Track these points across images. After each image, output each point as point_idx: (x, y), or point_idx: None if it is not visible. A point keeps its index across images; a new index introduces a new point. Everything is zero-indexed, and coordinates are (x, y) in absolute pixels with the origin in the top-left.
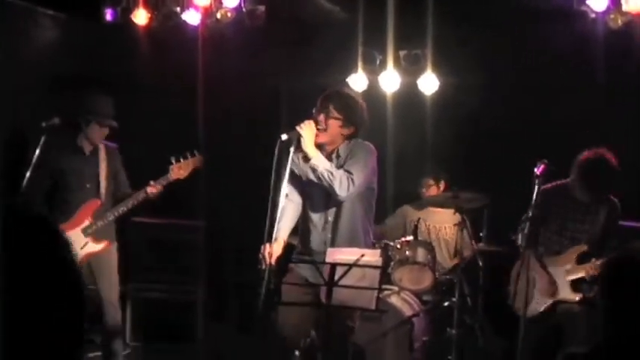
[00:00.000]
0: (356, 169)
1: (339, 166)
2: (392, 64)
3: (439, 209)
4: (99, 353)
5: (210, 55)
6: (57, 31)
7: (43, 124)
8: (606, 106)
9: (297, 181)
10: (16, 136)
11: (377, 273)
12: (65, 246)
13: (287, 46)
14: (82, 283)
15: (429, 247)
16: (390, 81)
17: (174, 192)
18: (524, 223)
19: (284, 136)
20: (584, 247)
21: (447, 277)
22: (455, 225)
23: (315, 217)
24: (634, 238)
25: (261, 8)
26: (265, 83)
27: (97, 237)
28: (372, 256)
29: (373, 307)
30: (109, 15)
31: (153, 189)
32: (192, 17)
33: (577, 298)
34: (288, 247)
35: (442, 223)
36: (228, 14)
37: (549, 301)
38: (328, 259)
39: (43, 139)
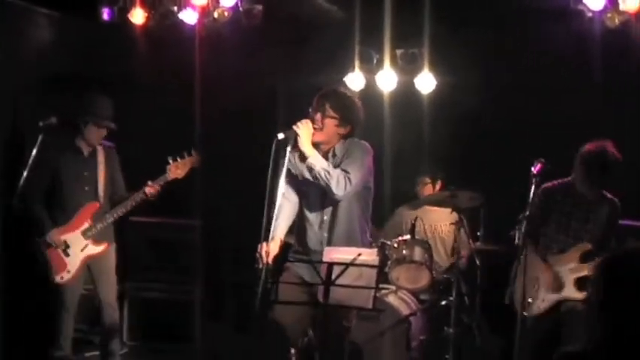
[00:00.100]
0: (353, 168)
1: (336, 165)
2: (389, 63)
3: (436, 208)
4: (97, 353)
5: (207, 54)
6: (54, 31)
7: (41, 124)
8: (604, 105)
9: (293, 180)
10: (13, 135)
11: (374, 272)
12: None
13: (284, 45)
14: None
15: (426, 246)
16: (387, 80)
17: (172, 191)
18: (522, 222)
19: (281, 135)
20: (588, 246)
21: (445, 276)
22: (452, 224)
23: (312, 216)
24: (633, 237)
25: (258, 7)
26: (262, 82)
27: (96, 239)
28: (369, 255)
29: (370, 306)
30: (105, 14)
31: (151, 189)
32: (189, 16)
33: (581, 297)
34: (285, 246)
35: (439, 221)
36: (225, 13)
37: (555, 297)
38: (325, 258)
39: (40, 138)
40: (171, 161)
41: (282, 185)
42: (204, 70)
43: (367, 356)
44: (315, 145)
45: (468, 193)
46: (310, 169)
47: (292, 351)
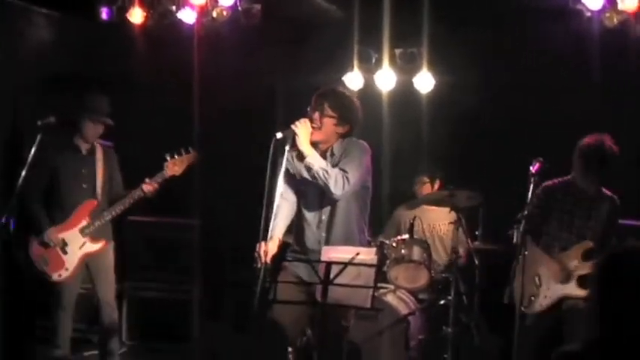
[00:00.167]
0: (351, 168)
1: (334, 165)
2: (387, 63)
3: (434, 207)
4: (95, 352)
5: (205, 53)
6: (52, 30)
7: (39, 123)
8: (602, 104)
9: (292, 179)
10: (13, 135)
11: (372, 271)
12: None
13: (283, 44)
14: None
15: (425, 246)
16: (386, 79)
17: (170, 190)
18: (521, 221)
19: (279, 135)
20: (590, 244)
21: (443, 275)
22: (450, 223)
23: (310, 216)
24: (633, 236)
25: (257, 7)
26: (261, 82)
27: (94, 237)
28: (367, 254)
29: (369, 305)
30: (104, 14)
31: (149, 186)
32: (187, 16)
33: (583, 294)
34: (283, 246)
35: (437, 221)
36: (224, 13)
37: (559, 292)
38: (323, 258)
39: (38, 137)
40: (168, 158)
41: (281, 185)
42: (203, 69)
43: (366, 355)
44: (314, 145)
45: (466, 193)
46: (308, 169)
47: (290, 350)
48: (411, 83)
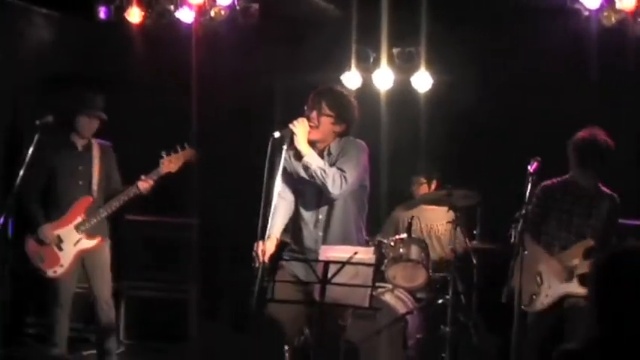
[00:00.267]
0: (348, 167)
1: (331, 164)
2: (386, 62)
3: (432, 207)
4: (93, 351)
5: (204, 53)
6: (50, 30)
7: (37, 122)
8: (600, 103)
9: (289, 178)
10: (13, 135)
11: (370, 270)
12: None
13: (281, 44)
14: None
15: (423, 245)
16: (384, 79)
17: (169, 190)
18: (519, 220)
19: (277, 134)
20: (590, 242)
21: (441, 274)
22: (448, 222)
23: (307, 215)
24: (632, 236)
25: (255, 6)
26: (259, 81)
27: (90, 233)
28: (365, 253)
29: (367, 304)
30: (102, 13)
31: (144, 184)
32: (185, 15)
33: (584, 293)
34: (281, 245)
35: (435, 220)
36: (222, 12)
37: (560, 290)
38: (321, 257)
39: (36, 137)
40: (164, 155)
41: (279, 184)
42: (201, 68)
43: (364, 355)
44: (311, 144)
45: (463, 192)
46: (306, 168)
47: (286, 348)
48: (409, 82)
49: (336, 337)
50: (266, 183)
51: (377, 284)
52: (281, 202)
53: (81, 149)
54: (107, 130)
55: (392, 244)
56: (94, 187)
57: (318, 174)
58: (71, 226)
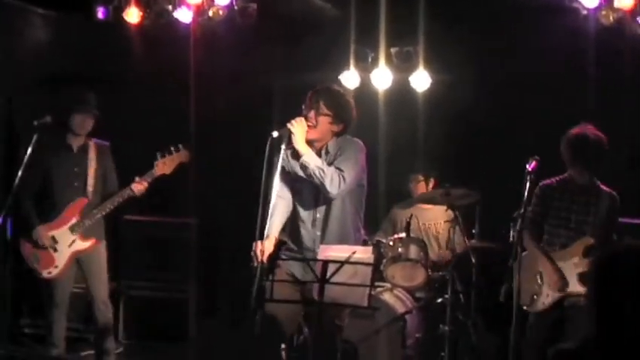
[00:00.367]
0: (346, 166)
1: (329, 163)
2: (384, 62)
3: (430, 206)
4: (92, 351)
5: (202, 53)
6: (48, 30)
7: (35, 123)
8: (599, 102)
9: (287, 177)
10: (10, 135)
11: (369, 270)
12: None
13: (279, 43)
14: None
15: (422, 244)
16: (382, 78)
17: (167, 190)
18: (517, 219)
19: (275, 133)
20: (590, 240)
21: (440, 273)
22: (446, 222)
23: (305, 214)
24: (631, 234)
25: (253, 6)
26: (257, 81)
27: (84, 235)
28: (364, 253)
29: (365, 304)
30: (100, 13)
31: (139, 185)
32: (184, 15)
33: (584, 291)
34: (280, 244)
35: (433, 219)
36: (220, 12)
37: (558, 295)
38: (320, 257)
39: (34, 137)
40: (159, 157)
41: (277, 183)
42: (200, 68)
43: (362, 354)
44: (309, 143)
45: (462, 191)
46: (304, 168)
47: (283, 347)
48: (408, 82)
49: (333, 336)
50: (264, 182)
51: (376, 283)
52: (279, 202)
53: (77, 150)
54: (105, 130)
55: (391, 243)
56: (89, 188)
57: (317, 173)
58: (66, 228)
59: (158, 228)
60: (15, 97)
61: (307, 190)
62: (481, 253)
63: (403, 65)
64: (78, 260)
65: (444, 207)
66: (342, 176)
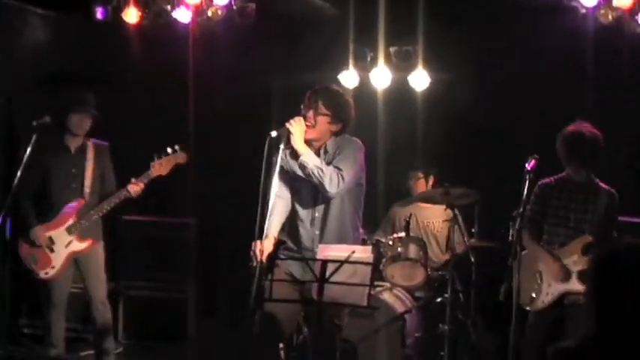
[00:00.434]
0: (345, 165)
1: (328, 162)
2: (383, 61)
3: (429, 205)
4: (91, 352)
5: (201, 53)
6: (47, 30)
7: (34, 123)
8: (597, 101)
9: (286, 177)
10: (10, 135)
11: (368, 269)
12: None
13: (278, 43)
14: None
15: (421, 244)
16: (381, 77)
17: (166, 190)
18: (516, 218)
19: (273, 133)
20: (589, 239)
21: (439, 273)
22: (444, 220)
23: (303, 214)
24: (630, 233)
25: (252, 6)
26: (256, 81)
27: (81, 236)
28: (363, 252)
29: (365, 303)
30: (99, 13)
31: (135, 186)
32: (182, 15)
33: (583, 289)
34: (278, 244)
35: (431, 218)
36: (219, 12)
37: (560, 289)
38: (319, 256)
39: (34, 138)
40: (155, 158)
41: (276, 183)
42: (198, 68)
43: (362, 354)
44: (307, 142)
45: (461, 190)
46: (303, 167)
47: (281, 346)
48: (407, 81)
49: (333, 336)
50: (263, 182)
51: (375, 283)
52: (278, 201)
53: (75, 151)
54: (104, 129)
55: (390, 242)
56: (86, 189)
57: (315, 173)
58: (62, 228)
59: (157, 228)
60: (15, 97)
61: (306, 190)
62: (480, 253)
63: (402, 65)
64: (76, 260)
65: (443, 206)
66: (341, 175)
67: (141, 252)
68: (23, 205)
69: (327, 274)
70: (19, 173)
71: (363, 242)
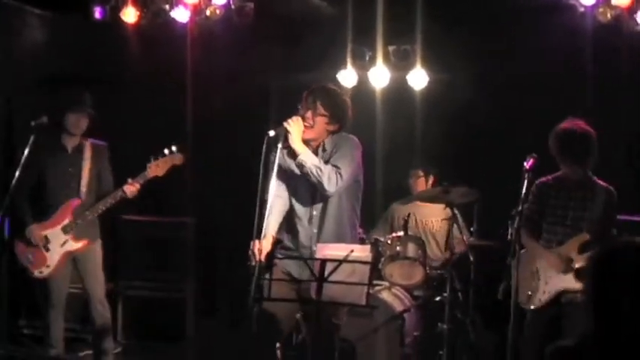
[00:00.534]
0: (343, 164)
1: (325, 160)
2: (381, 60)
3: (427, 204)
4: (90, 352)
5: (199, 52)
6: (45, 30)
7: (32, 123)
8: (596, 99)
9: (284, 175)
10: (9, 135)
11: (367, 268)
12: None
13: (276, 42)
14: None
15: (420, 242)
16: (380, 77)
17: (164, 189)
18: (515, 217)
19: (271, 132)
20: (586, 236)
21: (438, 272)
22: (443, 219)
23: (301, 212)
24: (628, 231)
25: (250, 5)
26: (254, 80)
27: (77, 235)
28: (362, 251)
29: (364, 302)
30: (97, 13)
31: (131, 187)
32: (181, 14)
33: (581, 287)
34: (277, 243)
35: (430, 217)
36: (217, 11)
37: (559, 286)
38: (318, 255)
39: (32, 138)
40: (152, 159)
41: (274, 182)
42: (197, 68)
43: (360, 353)
44: (305, 142)
45: (460, 189)
46: (301, 166)
47: (278, 345)
48: (405, 80)
49: (331, 335)
50: (261, 181)
51: (374, 282)
52: (277, 201)
53: (72, 151)
54: (102, 129)
55: (389, 241)
56: (83, 189)
57: (314, 172)
58: (58, 228)
59: (156, 228)
60: (14, 98)
61: (303, 188)
62: (479, 251)
63: (401, 64)
64: (74, 260)
65: (442, 205)
66: (339, 173)
67: (140, 252)
68: (20, 205)
69: (326, 273)
70: (16, 174)
71: (362, 241)
